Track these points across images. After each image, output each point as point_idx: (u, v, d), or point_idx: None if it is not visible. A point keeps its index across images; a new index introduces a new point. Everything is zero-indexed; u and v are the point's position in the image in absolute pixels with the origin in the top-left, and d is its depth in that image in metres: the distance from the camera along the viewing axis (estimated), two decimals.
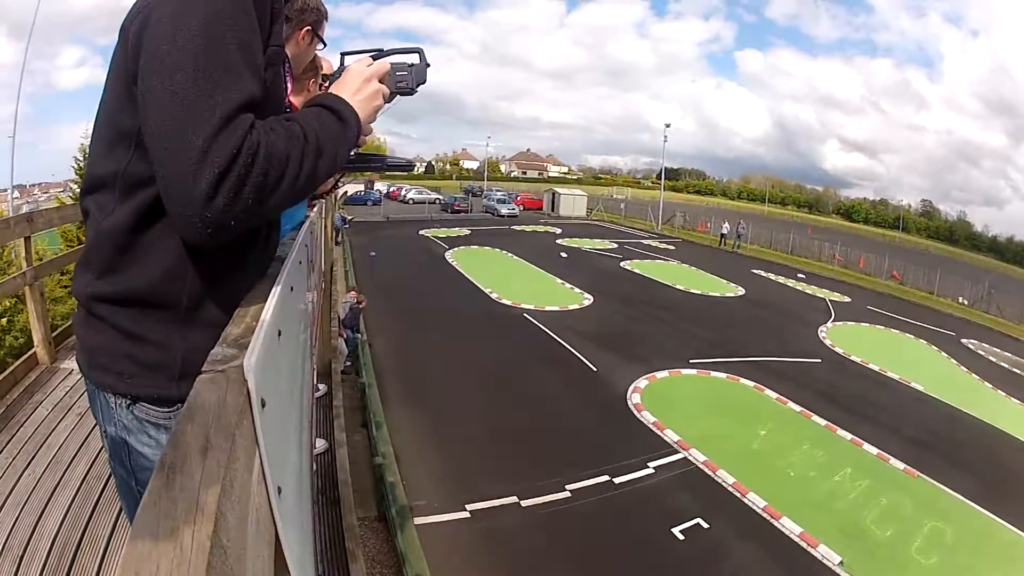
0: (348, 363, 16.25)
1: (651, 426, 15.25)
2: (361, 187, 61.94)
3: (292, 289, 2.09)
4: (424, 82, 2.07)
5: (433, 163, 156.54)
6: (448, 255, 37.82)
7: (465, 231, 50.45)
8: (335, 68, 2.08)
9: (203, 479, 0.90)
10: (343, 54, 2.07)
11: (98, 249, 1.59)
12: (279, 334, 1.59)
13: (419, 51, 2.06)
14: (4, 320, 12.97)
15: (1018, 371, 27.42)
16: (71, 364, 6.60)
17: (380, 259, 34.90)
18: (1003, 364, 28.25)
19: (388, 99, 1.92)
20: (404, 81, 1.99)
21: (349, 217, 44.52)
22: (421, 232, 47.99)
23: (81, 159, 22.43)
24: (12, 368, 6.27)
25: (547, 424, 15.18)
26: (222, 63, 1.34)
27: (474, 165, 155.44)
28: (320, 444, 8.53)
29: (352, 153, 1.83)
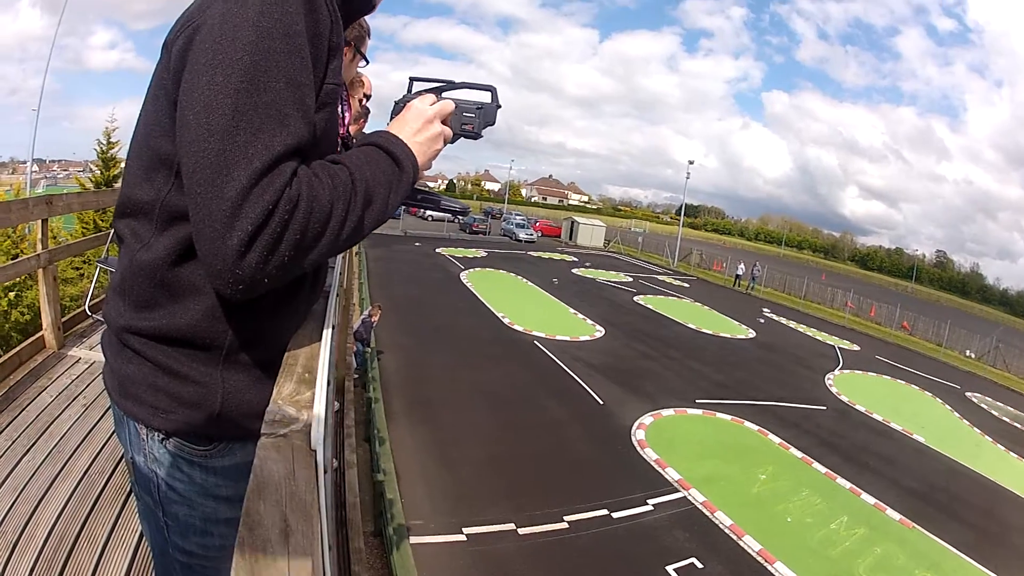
0: (356, 375, 16.15)
1: (653, 463, 15.23)
2: None
3: (334, 328, 1.99)
4: (493, 124, 1.88)
5: (455, 181, 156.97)
6: (463, 275, 37.88)
7: (482, 252, 50.61)
8: (405, 92, 1.88)
9: (290, 568, 0.92)
10: (412, 79, 1.91)
11: (134, 280, 1.50)
12: (328, 383, 1.51)
13: (492, 90, 1.87)
14: (12, 294, 12.91)
15: (1019, 425, 27.42)
16: (79, 352, 6.63)
17: (394, 274, 34.93)
18: (1005, 419, 28.22)
19: (450, 140, 1.79)
20: (470, 123, 1.82)
21: None
22: (438, 249, 48.13)
23: (105, 142, 21.96)
24: (18, 349, 6.25)
25: (550, 453, 15.17)
26: (266, 104, 1.24)
27: (495, 187, 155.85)
28: (332, 462, 8.53)
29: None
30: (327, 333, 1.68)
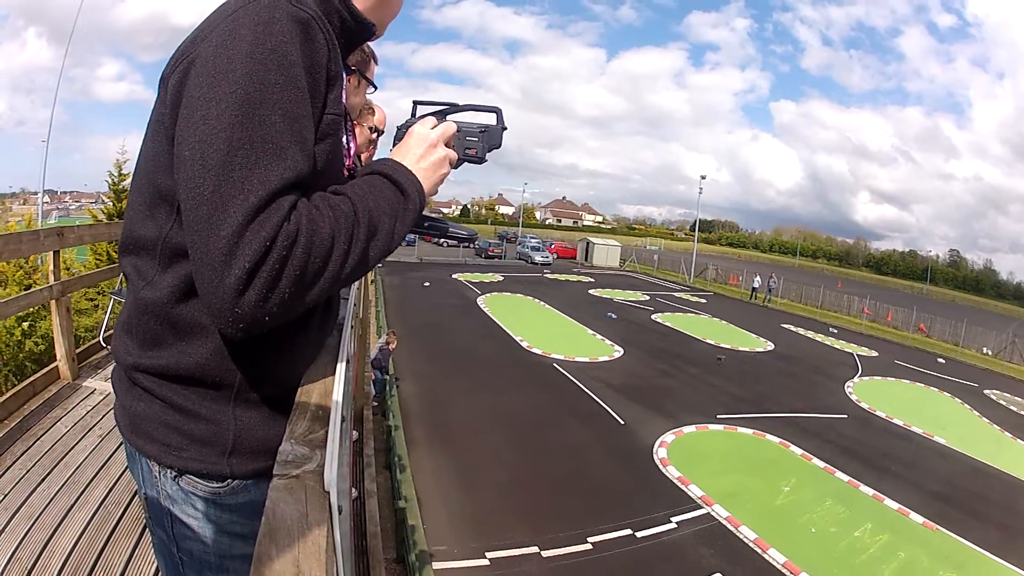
0: (375, 403, 16.20)
1: (676, 481, 15.21)
2: None
3: (348, 362, 1.90)
4: (499, 146, 1.82)
5: (469, 207, 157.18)
6: (480, 300, 38.05)
7: (498, 277, 50.86)
8: (408, 117, 1.82)
9: None
10: (416, 102, 1.87)
11: (140, 318, 1.49)
12: (342, 420, 1.45)
13: (497, 111, 1.82)
14: (26, 324, 12.93)
15: None
16: (94, 383, 6.64)
17: (410, 301, 35.18)
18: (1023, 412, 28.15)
19: (454, 166, 1.72)
20: (473, 148, 1.77)
21: None
22: (454, 276, 48.47)
23: (116, 174, 21.43)
24: (32, 379, 6.25)
25: (572, 474, 15.14)
26: (262, 138, 1.22)
27: (510, 211, 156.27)
28: (352, 492, 8.60)
29: None
30: (341, 367, 1.65)
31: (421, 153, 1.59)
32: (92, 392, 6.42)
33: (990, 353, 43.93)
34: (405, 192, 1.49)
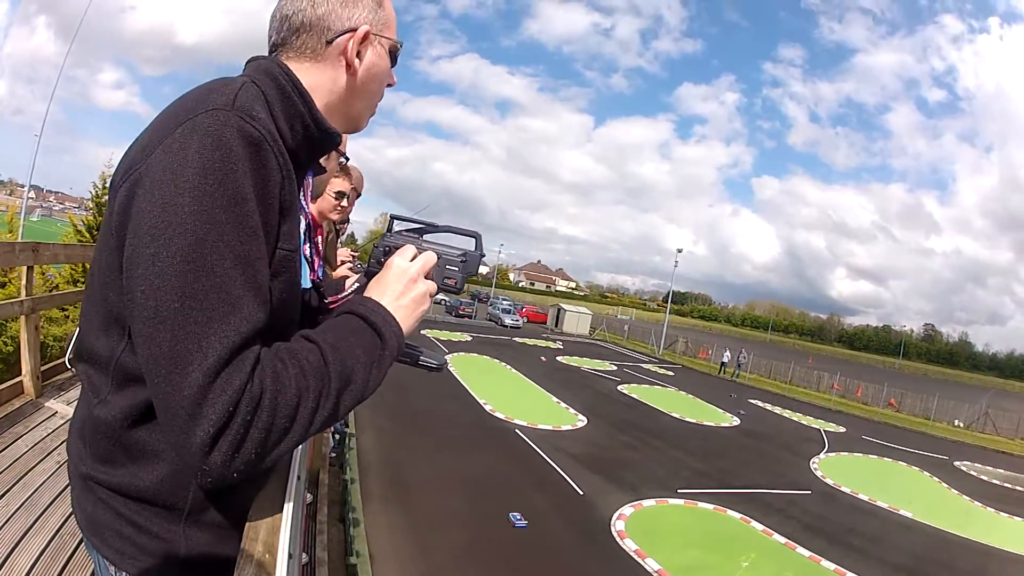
0: (333, 454, 16.05)
1: (632, 554, 15.05)
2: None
3: (299, 478, 1.92)
4: (475, 274, 1.81)
5: None
6: (447, 359, 37.31)
7: (467, 337, 51.03)
8: (385, 231, 1.79)
9: None
10: (393, 217, 1.84)
11: (93, 434, 1.47)
12: (289, 557, 1.48)
13: (476, 236, 1.79)
14: None
15: (1008, 485, 28.38)
16: (56, 405, 6.52)
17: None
18: (995, 481, 29.18)
19: (432, 295, 1.65)
20: (452, 277, 1.71)
21: None
22: (423, 332, 48.06)
23: (100, 186, 21.22)
24: None
25: (526, 542, 15.00)
26: (215, 287, 1.18)
27: (484, 270, 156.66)
28: (303, 557, 8.44)
29: None
30: (288, 509, 1.62)
31: (401, 290, 1.55)
32: (54, 414, 6.32)
33: (962, 425, 44.91)
34: (383, 337, 1.45)
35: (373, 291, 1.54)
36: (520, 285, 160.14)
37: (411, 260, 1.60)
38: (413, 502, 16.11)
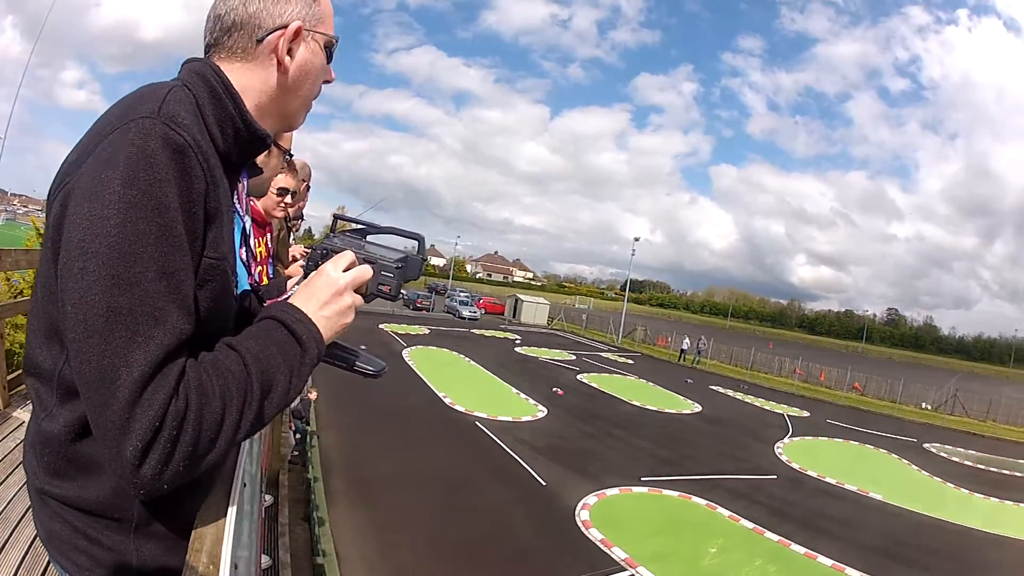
0: (295, 453, 15.96)
1: (598, 543, 15.00)
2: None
3: (245, 485, 1.94)
4: (415, 279, 1.79)
5: None
6: (406, 353, 37.92)
7: (425, 330, 51.12)
8: (328, 231, 1.80)
9: None
10: (336, 216, 1.86)
11: (43, 448, 1.49)
12: (235, 567, 1.54)
13: (419, 239, 1.79)
14: None
15: (982, 466, 28.80)
16: (23, 415, 6.42)
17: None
18: (967, 463, 29.59)
19: (366, 301, 1.68)
20: (387, 284, 1.68)
21: None
22: (381, 326, 48.46)
23: None
24: None
25: (492, 536, 14.91)
26: (139, 300, 1.20)
27: (441, 262, 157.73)
28: (264, 560, 8.29)
29: None
30: (231, 514, 1.64)
31: (326, 300, 1.54)
32: (21, 424, 6.16)
33: (929, 407, 45.59)
34: (303, 344, 1.46)
35: (300, 295, 1.56)
36: (477, 276, 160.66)
37: (344, 271, 1.59)
38: (377, 499, 15.99)
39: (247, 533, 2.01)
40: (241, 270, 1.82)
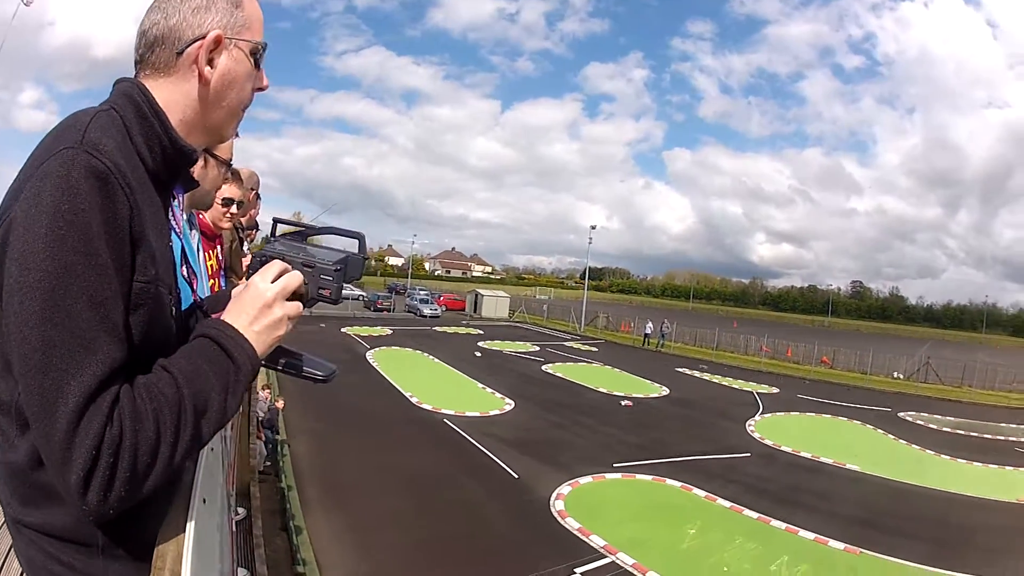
0: (267, 463, 16.13)
1: (576, 532, 15.03)
2: None
3: (212, 449, 1.99)
4: (358, 279, 1.82)
5: None
6: (369, 355, 37.91)
7: (387, 331, 51.15)
8: (268, 234, 1.81)
9: None
10: (275, 220, 1.82)
11: (10, 478, 1.49)
12: None
13: (360, 237, 1.77)
14: None
15: (962, 432, 29.10)
16: None
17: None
18: (945, 429, 29.88)
19: (308, 305, 1.65)
20: (327, 288, 1.65)
21: None
22: (343, 329, 48.46)
23: None
24: None
25: (468, 531, 14.93)
26: (71, 333, 1.22)
27: (399, 262, 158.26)
28: (241, 573, 8.18)
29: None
30: (190, 529, 1.59)
31: (255, 315, 1.53)
32: None
33: (901, 377, 46.06)
34: (235, 361, 1.45)
35: (231, 310, 1.55)
36: (436, 274, 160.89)
37: (272, 281, 1.57)
38: (351, 504, 15.98)
39: (215, 548, 2.03)
40: (185, 288, 1.81)
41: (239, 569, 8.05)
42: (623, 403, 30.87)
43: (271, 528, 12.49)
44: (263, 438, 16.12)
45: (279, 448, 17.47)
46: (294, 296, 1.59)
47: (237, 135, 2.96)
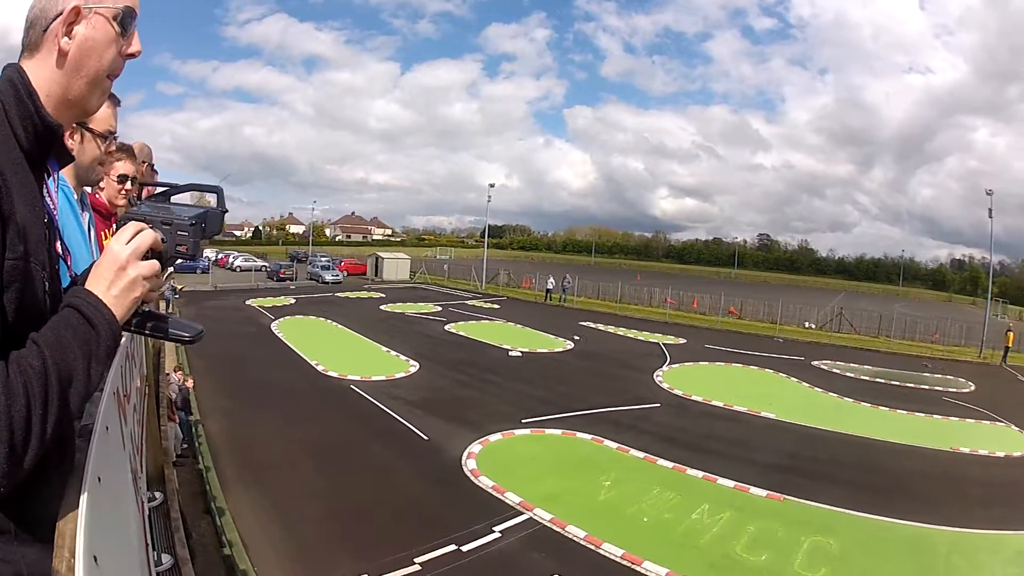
0: (185, 446, 15.93)
1: (490, 490, 15.15)
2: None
3: (108, 429, 1.98)
4: (218, 232, 1.81)
5: (260, 228, 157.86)
6: (274, 326, 37.43)
7: (290, 300, 50.46)
8: (138, 194, 1.77)
9: None
10: (140, 183, 1.95)
11: None
12: (95, 559, 1.50)
13: (218, 191, 1.82)
14: None
15: (881, 380, 29.93)
16: None
17: (206, 333, 34.27)
18: (863, 377, 30.69)
19: (169, 264, 1.70)
20: (184, 243, 1.68)
21: (179, 287, 44.66)
22: (248, 302, 47.80)
23: None
24: None
25: (385, 497, 14.89)
26: None
27: (300, 229, 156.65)
28: (165, 560, 7.99)
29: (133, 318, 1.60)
30: (83, 501, 1.57)
31: (111, 279, 1.54)
32: None
33: (814, 327, 47.06)
34: (95, 327, 1.45)
35: (92, 277, 1.56)
36: (337, 239, 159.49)
37: (127, 243, 1.58)
38: (268, 479, 15.81)
39: (121, 528, 2.06)
40: (61, 266, 1.78)
41: (163, 555, 7.90)
42: (510, 353, 31.60)
43: (195, 511, 12.40)
44: (178, 420, 15.84)
45: (195, 429, 17.28)
46: (151, 255, 1.60)
47: (118, 103, 2.89)
